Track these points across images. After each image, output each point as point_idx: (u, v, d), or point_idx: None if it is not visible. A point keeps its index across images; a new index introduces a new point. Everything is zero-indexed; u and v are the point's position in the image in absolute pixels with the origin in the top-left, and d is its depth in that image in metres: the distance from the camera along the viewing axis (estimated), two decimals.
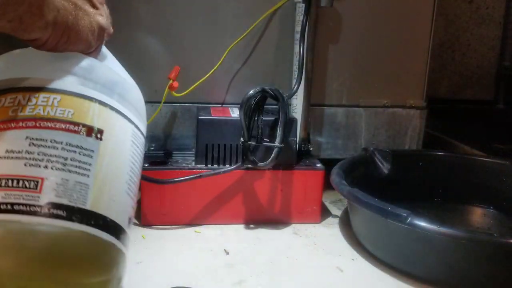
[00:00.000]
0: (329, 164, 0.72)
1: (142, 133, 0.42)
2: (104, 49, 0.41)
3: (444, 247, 0.53)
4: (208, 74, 0.76)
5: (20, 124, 0.32)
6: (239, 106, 0.64)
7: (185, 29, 0.78)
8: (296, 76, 0.72)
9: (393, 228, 0.57)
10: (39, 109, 0.32)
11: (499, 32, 1.34)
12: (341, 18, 0.81)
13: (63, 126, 0.32)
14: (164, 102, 0.73)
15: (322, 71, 0.82)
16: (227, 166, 0.69)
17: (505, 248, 0.51)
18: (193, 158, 0.72)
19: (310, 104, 0.75)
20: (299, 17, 0.74)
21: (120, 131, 0.37)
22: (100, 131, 0.34)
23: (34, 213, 0.30)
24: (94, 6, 0.40)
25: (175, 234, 0.68)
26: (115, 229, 0.35)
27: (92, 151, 0.33)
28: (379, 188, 0.67)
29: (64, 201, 0.31)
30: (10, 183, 0.30)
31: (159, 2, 0.76)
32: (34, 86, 0.33)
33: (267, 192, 0.71)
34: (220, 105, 0.80)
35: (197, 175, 0.67)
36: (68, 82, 0.34)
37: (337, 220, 0.76)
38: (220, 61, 0.76)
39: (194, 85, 0.76)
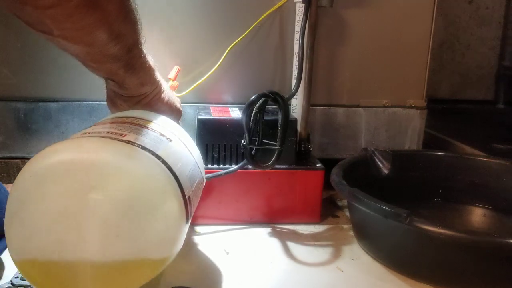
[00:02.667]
0: (329, 164, 0.72)
1: (202, 174, 0.56)
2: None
3: (444, 247, 0.53)
4: (208, 74, 0.76)
5: (116, 122, 0.49)
6: (240, 109, 0.65)
7: (185, 29, 0.78)
8: (296, 76, 0.72)
9: (393, 228, 0.57)
10: (132, 120, 0.51)
11: (499, 32, 1.35)
12: (341, 18, 0.81)
13: (144, 127, 0.49)
14: None
15: (322, 71, 0.82)
16: (228, 166, 0.69)
17: (505, 248, 0.51)
18: None
19: (310, 104, 0.75)
20: (299, 17, 0.74)
21: (183, 152, 0.52)
22: (170, 139, 0.50)
23: (119, 140, 0.43)
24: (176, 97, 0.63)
25: None
26: (178, 181, 0.44)
27: (163, 141, 0.48)
28: (379, 188, 0.67)
29: (141, 143, 0.44)
30: (104, 134, 0.44)
31: (159, 1, 0.76)
32: (135, 116, 0.53)
33: (267, 192, 0.71)
34: (220, 105, 0.80)
35: None
36: (153, 118, 0.54)
37: (337, 220, 0.76)
38: (220, 61, 0.76)
39: (194, 85, 0.76)
